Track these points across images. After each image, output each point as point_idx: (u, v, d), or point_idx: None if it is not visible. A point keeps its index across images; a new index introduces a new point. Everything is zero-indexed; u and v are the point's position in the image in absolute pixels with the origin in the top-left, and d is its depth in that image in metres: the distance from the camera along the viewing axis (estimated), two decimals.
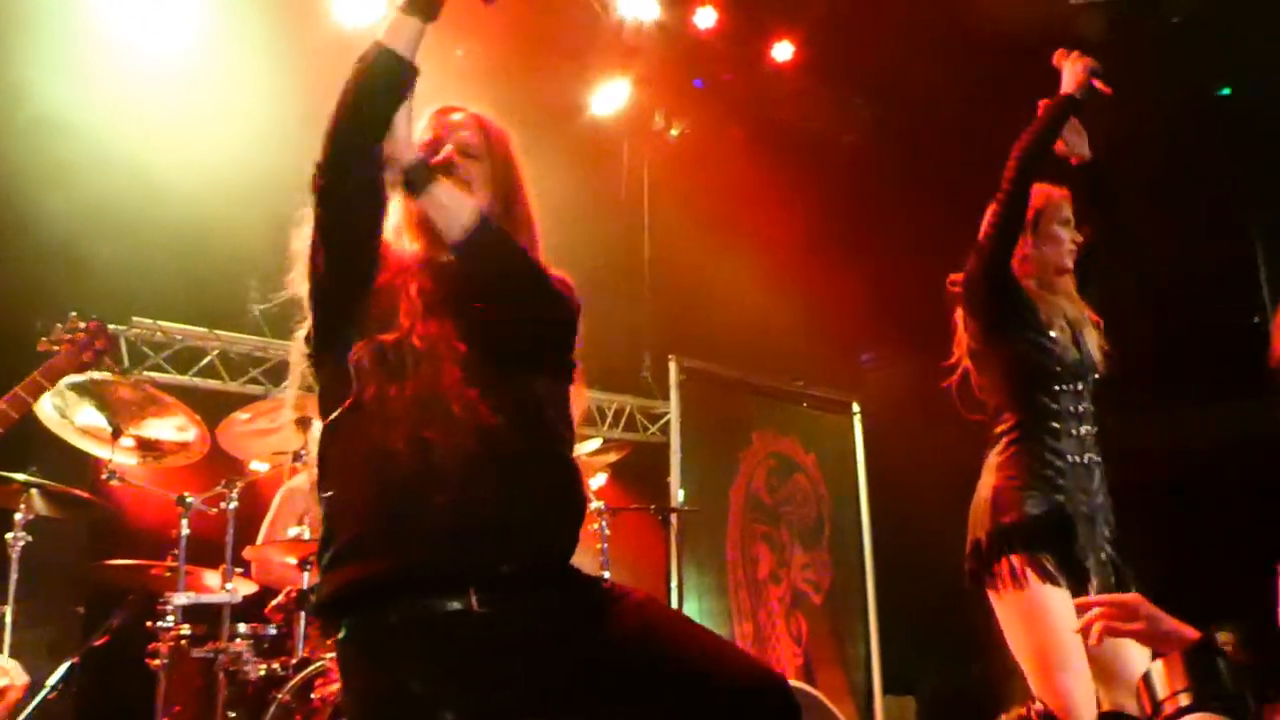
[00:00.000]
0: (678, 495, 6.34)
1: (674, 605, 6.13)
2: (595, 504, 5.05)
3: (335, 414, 1.98)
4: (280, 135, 5.35)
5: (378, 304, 2.01)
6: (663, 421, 7.19)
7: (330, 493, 1.97)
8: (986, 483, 2.89)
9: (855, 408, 7.59)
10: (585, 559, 5.29)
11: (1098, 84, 2.97)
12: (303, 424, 3.77)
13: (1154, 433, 7.20)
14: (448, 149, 2.15)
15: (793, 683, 4.60)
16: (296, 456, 4.02)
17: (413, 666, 1.81)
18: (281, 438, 4.20)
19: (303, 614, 3.69)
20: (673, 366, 6.62)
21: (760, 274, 6.95)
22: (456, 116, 2.23)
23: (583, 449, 5.11)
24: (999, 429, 2.93)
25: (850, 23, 7.21)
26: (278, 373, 5.84)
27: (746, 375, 7.02)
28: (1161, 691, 1.34)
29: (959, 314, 3.06)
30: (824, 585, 7.10)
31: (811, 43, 7.52)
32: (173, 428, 4.10)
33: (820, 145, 7.81)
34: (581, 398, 2.25)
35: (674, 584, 6.17)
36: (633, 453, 7.01)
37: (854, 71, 7.71)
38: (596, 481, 6.32)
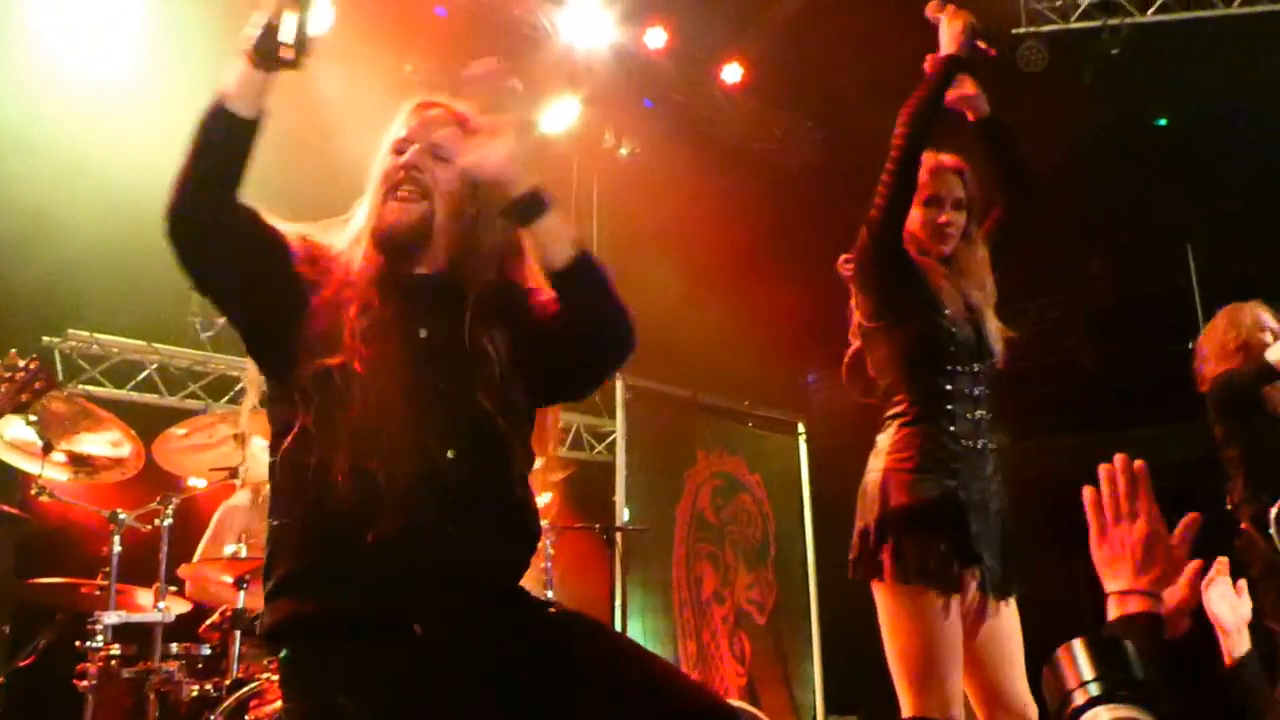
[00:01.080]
0: (623, 514, 6.33)
1: (618, 625, 6.10)
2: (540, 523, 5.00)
3: (281, 438, 1.92)
4: None
5: (318, 323, 1.92)
6: (609, 440, 7.18)
7: (275, 519, 1.92)
8: (875, 466, 2.72)
9: (801, 428, 7.64)
10: (529, 578, 5.25)
11: (982, 44, 2.78)
12: (241, 440, 3.71)
13: (1087, 454, 7.32)
14: (414, 149, 2.05)
15: (735, 703, 4.61)
16: (234, 473, 3.95)
17: (354, 693, 1.78)
18: (220, 454, 4.12)
19: (238, 633, 3.62)
20: (619, 385, 6.61)
21: (708, 294, 6.98)
22: (434, 113, 2.12)
23: None
24: (890, 411, 2.76)
25: (798, 46, 7.30)
26: (218, 387, 5.76)
27: (693, 395, 7.03)
28: (1070, 681, 1.32)
29: (852, 292, 2.87)
30: (768, 605, 7.11)
31: (760, 65, 7.59)
32: (107, 443, 4.01)
33: (769, 166, 7.88)
34: (552, 415, 2.20)
35: (618, 603, 6.14)
36: (579, 471, 7.01)
37: (802, 94, 7.80)
38: (542, 500, 6.28)
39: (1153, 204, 7.66)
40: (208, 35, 5.33)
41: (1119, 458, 1.64)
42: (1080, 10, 6.69)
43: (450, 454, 1.88)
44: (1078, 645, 1.33)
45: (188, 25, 5.31)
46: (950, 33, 2.78)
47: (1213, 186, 7.44)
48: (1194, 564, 1.64)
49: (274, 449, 1.93)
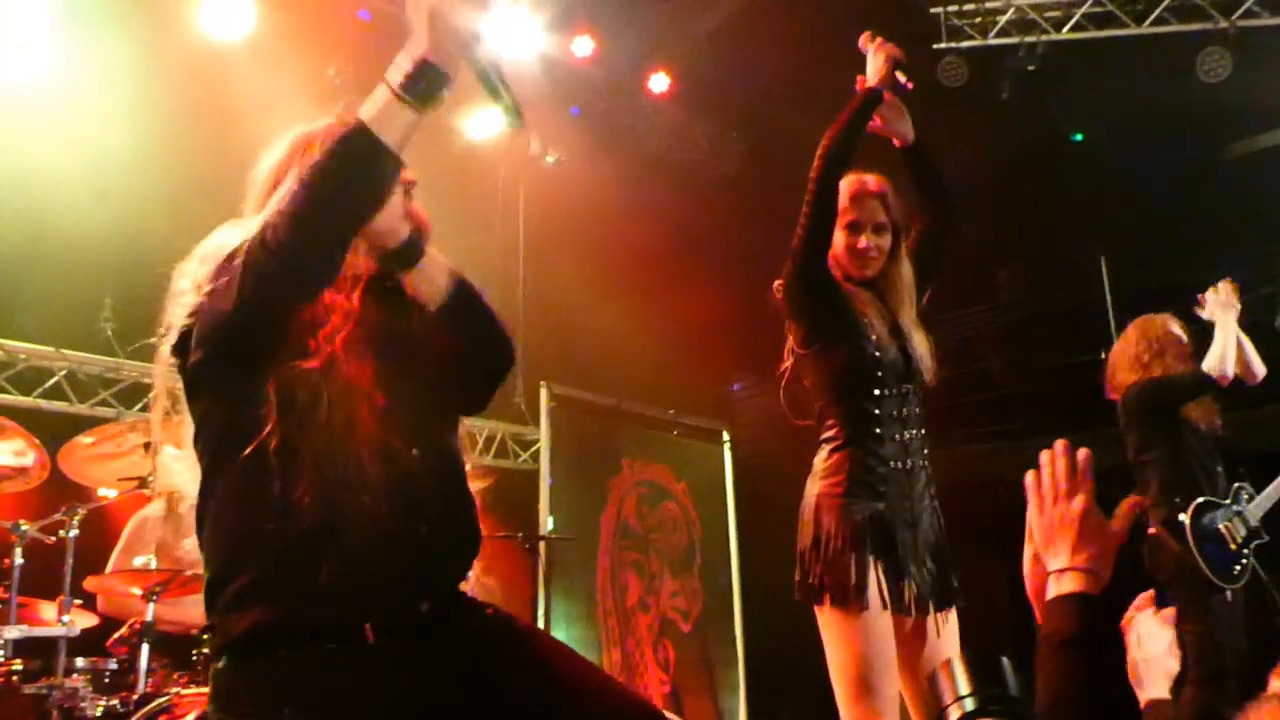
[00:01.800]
0: (547, 523, 6.30)
1: None
2: None
3: (228, 448, 1.82)
4: (138, 148, 5.17)
5: (289, 331, 1.83)
6: (534, 448, 7.14)
7: (219, 531, 1.85)
8: (810, 490, 2.82)
9: (725, 436, 7.68)
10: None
11: (901, 77, 2.85)
12: (151, 449, 3.61)
13: (1002, 463, 7.48)
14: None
15: (661, 712, 4.60)
16: (143, 483, 3.84)
17: (303, 703, 1.74)
18: (128, 463, 4.00)
19: (145, 647, 3.51)
20: (544, 393, 6.59)
21: (633, 302, 6.99)
22: None
23: None
24: (823, 434, 2.84)
25: (724, 57, 7.35)
26: (131, 395, 5.60)
27: (618, 403, 7.03)
28: (946, 696, 1.35)
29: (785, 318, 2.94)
30: (693, 613, 7.13)
31: (687, 75, 7.63)
32: (9, 452, 3.88)
33: (695, 176, 7.92)
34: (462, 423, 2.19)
35: (541, 612, 6.11)
36: (504, 480, 6.96)
37: (728, 104, 7.86)
38: None
39: (1069, 217, 7.87)
40: (116, 41, 5.22)
41: (1059, 443, 1.70)
42: (998, 27, 6.83)
43: (415, 453, 1.87)
44: (956, 662, 1.37)
45: (96, 30, 5.19)
46: (874, 65, 2.87)
47: (1126, 201, 7.66)
48: (1130, 499, 1.71)
49: (224, 454, 1.84)
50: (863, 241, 2.87)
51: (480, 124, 7.04)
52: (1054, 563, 1.66)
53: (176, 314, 1.87)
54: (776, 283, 2.89)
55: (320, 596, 1.77)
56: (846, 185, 2.86)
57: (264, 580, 1.78)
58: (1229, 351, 4.14)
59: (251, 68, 5.88)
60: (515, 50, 6.82)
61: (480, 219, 7.52)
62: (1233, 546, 4.10)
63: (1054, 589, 1.65)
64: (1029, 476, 1.71)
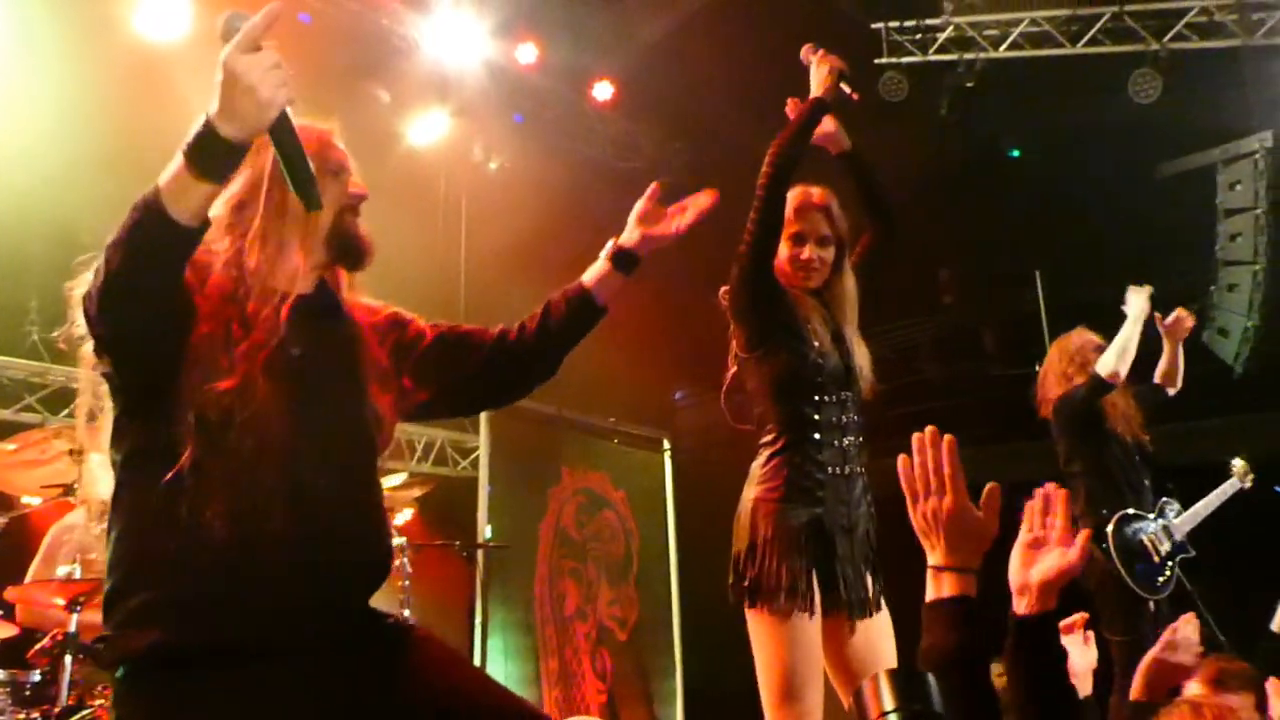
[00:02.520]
0: (485, 531, 6.25)
1: (478, 642, 6.03)
2: (397, 540, 4.91)
3: (140, 461, 1.81)
4: (66, 148, 5.05)
5: (202, 343, 1.81)
6: (474, 455, 7.08)
7: (124, 544, 1.81)
8: (747, 495, 2.82)
9: (666, 444, 7.68)
10: (386, 596, 5.14)
11: (846, 88, 2.89)
12: (77, 456, 3.52)
13: None
14: (354, 181, 2.04)
15: None
16: (69, 490, 3.74)
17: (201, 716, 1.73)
18: (54, 470, 3.89)
19: (68, 659, 3.42)
20: None
21: None
22: (338, 142, 2.07)
23: (386, 483, 4.97)
24: (762, 439, 2.86)
25: (668, 67, 7.38)
26: (57, 400, 5.46)
27: (559, 410, 7.00)
28: (871, 711, 1.37)
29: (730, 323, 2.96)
30: (630, 621, 7.11)
31: (631, 84, 7.64)
32: None
33: (638, 185, 7.91)
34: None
35: (478, 620, 6.07)
36: (442, 487, 6.88)
37: (672, 114, 7.88)
38: (402, 517, 6.16)
39: (1005, 232, 8.00)
40: (49, 41, 5.10)
41: (929, 429, 1.72)
42: (938, 44, 6.93)
43: (324, 481, 1.85)
44: (883, 676, 1.38)
45: (27, 29, 5.07)
46: (818, 76, 2.90)
47: (1061, 217, 7.81)
48: (1084, 533, 1.74)
49: (135, 466, 1.82)
50: (806, 253, 2.91)
51: (423, 129, 6.99)
52: (931, 558, 1.69)
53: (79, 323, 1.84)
54: (723, 289, 2.92)
55: (222, 618, 1.75)
56: (792, 198, 2.89)
57: (165, 598, 1.76)
58: (1124, 350, 4.23)
59: (188, 69, 5.78)
60: (459, 55, 6.79)
61: (423, 224, 7.46)
62: (1156, 559, 4.19)
63: (932, 590, 1.69)
64: (901, 464, 1.73)
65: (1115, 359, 4.23)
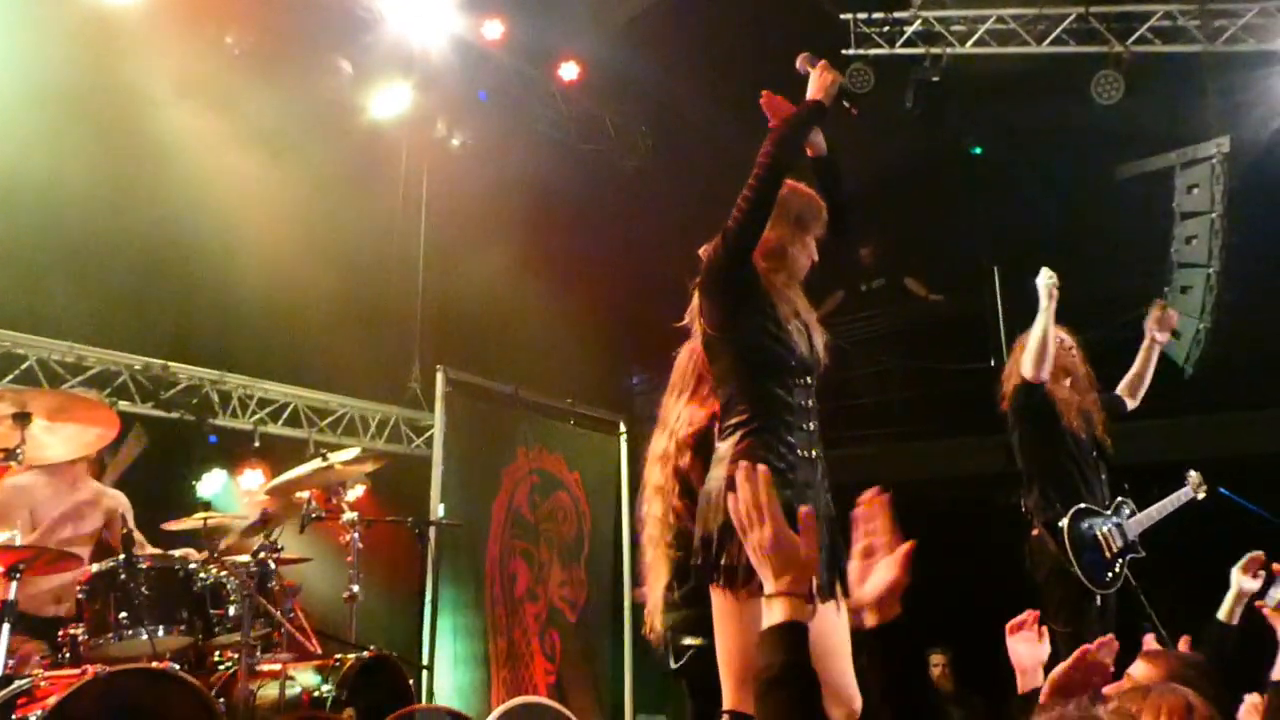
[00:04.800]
0: (438, 509, 6.21)
1: (428, 621, 5.99)
2: (348, 515, 4.87)
3: None
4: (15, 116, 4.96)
5: None
6: (429, 434, 7.04)
7: None
8: (717, 475, 2.78)
9: (622, 427, 7.67)
10: (335, 573, 5.09)
11: (846, 103, 2.98)
12: (20, 420, 3.46)
13: (891, 465, 7.64)
14: None
15: (543, 700, 4.58)
16: (10, 454, 3.65)
17: None
18: None
19: (6, 627, 3.35)
20: (439, 377, 6.49)
21: (535, 290, 6.94)
22: None
23: (337, 458, 4.93)
24: (731, 420, 2.83)
25: (635, 50, 7.34)
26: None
27: (515, 389, 6.96)
28: None
29: (696, 301, 2.96)
30: (580, 603, 7.11)
31: (597, 66, 7.60)
32: None
33: (601, 166, 7.89)
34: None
35: (428, 599, 6.03)
36: (396, 464, 6.83)
37: (638, 98, 7.85)
38: (354, 493, 6.11)
39: (965, 227, 8.07)
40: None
41: (742, 464, 1.78)
42: (905, 37, 6.95)
43: None
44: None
45: None
46: (820, 83, 2.96)
47: (1020, 214, 7.88)
48: (907, 545, 1.78)
49: None
50: (815, 255, 2.98)
51: (385, 103, 6.91)
52: (765, 587, 1.74)
53: None
54: (703, 248, 2.90)
55: None
56: (814, 201, 2.96)
57: None
58: (1040, 349, 4.27)
59: (147, 36, 5.68)
60: (424, 28, 6.71)
61: (382, 200, 7.39)
62: (1107, 555, 4.26)
63: (766, 618, 1.74)
64: (729, 500, 1.78)
65: (1032, 362, 4.29)
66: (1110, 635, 2.67)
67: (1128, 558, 4.32)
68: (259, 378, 6.61)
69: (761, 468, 1.75)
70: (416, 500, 6.45)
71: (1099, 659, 2.58)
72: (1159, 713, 1.81)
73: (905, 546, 1.76)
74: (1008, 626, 2.86)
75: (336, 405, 7.05)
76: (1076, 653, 2.59)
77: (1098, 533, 4.27)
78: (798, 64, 3.02)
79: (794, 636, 1.70)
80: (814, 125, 2.95)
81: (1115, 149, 7.47)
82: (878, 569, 1.75)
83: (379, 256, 6.99)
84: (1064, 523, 4.21)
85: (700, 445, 3.17)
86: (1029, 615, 2.82)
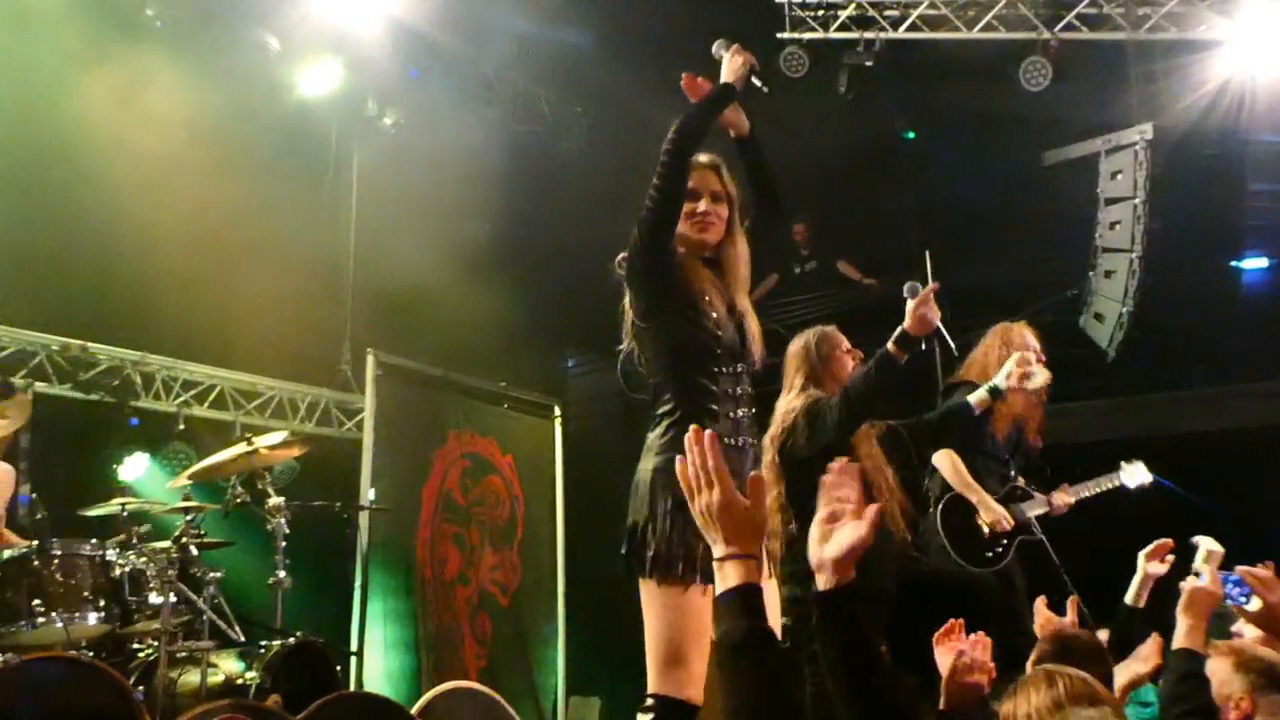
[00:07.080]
0: (369, 493, 6.14)
1: (358, 605, 5.94)
2: (274, 500, 4.80)
3: None
4: None
5: None
6: (359, 417, 6.95)
7: None
8: (645, 466, 2.83)
9: (556, 410, 7.64)
10: (262, 559, 5.01)
11: (757, 81, 2.98)
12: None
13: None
14: None
15: (473, 685, 4.55)
16: None
17: None
18: None
19: None
20: (370, 361, 6.41)
21: (467, 272, 6.86)
22: None
23: (264, 441, 4.85)
24: (659, 409, 2.87)
25: (571, 31, 7.28)
26: None
27: (446, 373, 6.90)
28: None
29: (626, 292, 2.98)
30: (511, 587, 7.08)
31: (533, 45, 7.53)
32: None
33: (535, 148, 7.82)
34: None
35: (358, 584, 5.97)
36: (326, 448, 6.74)
37: (573, 79, 7.79)
38: (281, 477, 6.02)
39: (897, 210, 8.13)
40: None
41: (693, 429, 1.80)
42: (839, 21, 6.98)
43: None
44: None
45: None
46: (732, 66, 2.96)
47: (950, 199, 7.97)
48: (875, 506, 1.81)
49: None
50: (702, 206, 2.94)
51: (314, 80, 6.77)
52: (716, 551, 1.76)
53: None
54: (619, 256, 2.92)
55: None
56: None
57: None
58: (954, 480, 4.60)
59: (61, 7, 5.51)
60: (354, 5, 6.58)
61: (311, 179, 7.25)
62: (986, 536, 4.51)
63: (719, 583, 1.75)
64: (677, 464, 1.80)
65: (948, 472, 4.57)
66: (981, 634, 2.83)
67: (1017, 539, 4.57)
68: (183, 359, 6.46)
69: (709, 433, 1.77)
70: (345, 484, 6.37)
71: (975, 660, 2.68)
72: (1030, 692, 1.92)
73: (874, 507, 1.80)
74: (935, 637, 2.93)
75: (264, 388, 6.93)
76: (947, 670, 2.76)
77: (976, 519, 4.54)
78: (713, 50, 3.04)
79: (750, 600, 1.71)
80: (722, 108, 2.95)
81: (1043, 134, 7.58)
82: (841, 530, 1.76)
83: (308, 236, 6.85)
84: (938, 511, 4.56)
85: None
86: (954, 624, 2.90)
